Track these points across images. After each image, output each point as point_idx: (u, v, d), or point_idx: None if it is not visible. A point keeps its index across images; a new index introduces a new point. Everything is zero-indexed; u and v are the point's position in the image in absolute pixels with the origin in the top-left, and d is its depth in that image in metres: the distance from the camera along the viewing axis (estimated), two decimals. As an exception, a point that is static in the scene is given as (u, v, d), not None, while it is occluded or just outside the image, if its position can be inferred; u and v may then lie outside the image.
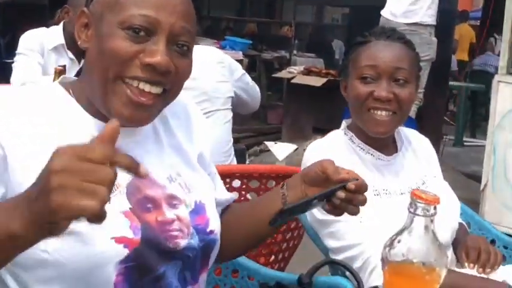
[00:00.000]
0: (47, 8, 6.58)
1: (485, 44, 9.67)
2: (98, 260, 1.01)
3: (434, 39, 4.58)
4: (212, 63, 2.61)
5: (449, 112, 8.98)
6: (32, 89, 1.13)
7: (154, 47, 1.04)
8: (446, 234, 1.65)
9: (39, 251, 0.99)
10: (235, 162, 2.61)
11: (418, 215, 0.82)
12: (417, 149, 1.75)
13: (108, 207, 0.95)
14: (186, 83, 1.15)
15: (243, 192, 2.05)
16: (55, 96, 1.11)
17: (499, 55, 4.32)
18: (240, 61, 6.45)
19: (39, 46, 2.96)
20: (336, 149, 1.64)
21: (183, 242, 1.11)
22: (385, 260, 0.84)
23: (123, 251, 1.02)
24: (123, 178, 1.06)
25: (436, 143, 5.59)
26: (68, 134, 1.05)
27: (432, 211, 0.82)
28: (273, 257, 2.09)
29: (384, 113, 1.59)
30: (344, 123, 1.73)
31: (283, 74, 6.82)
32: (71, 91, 1.12)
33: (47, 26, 3.18)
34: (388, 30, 1.70)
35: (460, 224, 1.77)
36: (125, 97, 1.05)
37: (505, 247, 1.90)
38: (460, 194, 1.83)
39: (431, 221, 0.82)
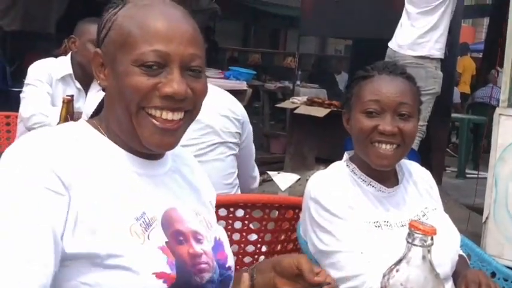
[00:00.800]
0: (53, 37, 6.68)
1: (488, 77, 9.74)
2: None
3: (440, 73, 4.61)
4: (225, 108, 2.54)
5: (451, 144, 9.01)
6: (68, 129, 1.16)
7: (169, 76, 1.09)
8: (446, 266, 1.66)
9: (80, 283, 1.02)
10: (239, 193, 2.62)
11: (415, 245, 0.84)
12: (418, 182, 1.77)
13: (148, 242, 1.02)
14: None
15: (246, 222, 2.07)
16: (88, 134, 1.15)
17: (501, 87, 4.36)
18: (244, 91, 6.53)
19: (48, 76, 3.01)
20: (338, 180, 1.67)
21: (207, 276, 1.14)
22: (383, 289, 0.86)
23: (162, 286, 1.05)
24: (158, 211, 1.12)
25: (438, 175, 5.61)
26: (109, 171, 1.10)
27: (429, 241, 0.84)
28: None
29: (388, 146, 1.62)
30: (346, 155, 1.76)
31: (286, 104, 6.88)
32: (100, 128, 1.17)
33: (54, 55, 3.24)
34: (390, 65, 1.73)
35: (461, 257, 1.78)
36: (151, 126, 1.10)
37: (505, 279, 1.91)
38: (462, 226, 1.84)
39: (429, 251, 0.84)
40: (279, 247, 2.14)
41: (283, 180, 4.75)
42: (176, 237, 1.12)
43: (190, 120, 1.17)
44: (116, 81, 1.11)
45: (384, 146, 1.61)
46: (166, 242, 1.10)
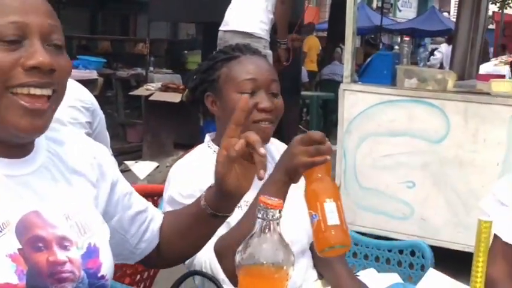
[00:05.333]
0: None
1: (333, 54, 10.27)
2: None
3: (269, 52, 4.76)
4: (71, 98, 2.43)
5: (303, 121, 9.40)
6: None
7: (31, 49, 1.03)
8: (303, 239, 1.72)
9: None
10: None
11: (264, 219, 0.89)
12: (276, 158, 1.82)
13: None
14: None
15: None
16: None
17: (344, 64, 4.60)
18: (94, 80, 6.33)
19: None
20: (202, 163, 1.66)
21: (69, 286, 1.07)
22: (238, 265, 0.89)
23: None
24: (14, 215, 1.03)
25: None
26: None
27: (277, 215, 0.89)
28: (138, 276, 2.08)
29: (267, 123, 1.65)
30: (208, 137, 1.77)
31: (140, 91, 6.78)
32: None
33: None
34: (248, 47, 1.78)
35: None
36: (20, 108, 1.03)
37: (356, 244, 2.04)
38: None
39: (278, 224, 0.89)
40: (140, 236, 2.12)
41: (141, 169, 4.71)
42: (34, 243, 1.04)
43: (56, 104, 1.10)
44: None
45: (263, 124, 1.64)
46: (19, 249, 1.01)
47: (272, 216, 0.88)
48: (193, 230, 1.29)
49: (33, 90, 1.03)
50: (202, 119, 1.82)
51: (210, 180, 1.60)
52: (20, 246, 1.02)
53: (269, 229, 0.88)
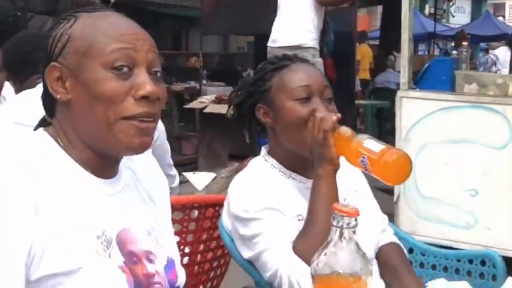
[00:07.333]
0: None
1: (386, 62, 10.13)
2: None
3: (319, 60, 4.71)
4: None
5: (357, 130, 9.30)
6: (35, 145, 1.12)
7: (139, 79, 1.08)
8: (370, 250, 1.68)
9: None
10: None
11: (340, 227, 0.86)
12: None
13: (109, 260, 1.05)
14: None
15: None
16: (50, 150, 1.11)
17: (399, 72, 4.51)
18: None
19: None
20: (260, 178, 1.65)
21: None
22: (313, 275, 0.87)
23: None
24: (113, 231, 1.11)
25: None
26: (69, 190, 1.08)
27: (353, 223, 0.86)
28: (201, 287, 2.09)
29: None
30: (264, 150, 1.74)
31: (194, 104, 6.86)
32: (58, 140, 1.12)
33: None
34: (297, 56, 1.77)
35: (396, 246, 1.79)
36: (133, 129, 1.08)
37: (423, 254, 1.99)
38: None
39: (354, 232, 0.86)
40: (201, 247, 2.13)
41: (199, 179, 4.74)
42: (130, 257, 1.13)
43: (158, 121, 1.16)
44: (86, 91, 1.08)
45: None
46: (124, 262, 1.11)
47: (348, 224, 0.85)
48: None
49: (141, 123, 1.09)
50: (248, 136, 1.79)
51: (272, 196, 1.58)
52: (124, 259, 1.10)
53: (345, 237, 0.86)
